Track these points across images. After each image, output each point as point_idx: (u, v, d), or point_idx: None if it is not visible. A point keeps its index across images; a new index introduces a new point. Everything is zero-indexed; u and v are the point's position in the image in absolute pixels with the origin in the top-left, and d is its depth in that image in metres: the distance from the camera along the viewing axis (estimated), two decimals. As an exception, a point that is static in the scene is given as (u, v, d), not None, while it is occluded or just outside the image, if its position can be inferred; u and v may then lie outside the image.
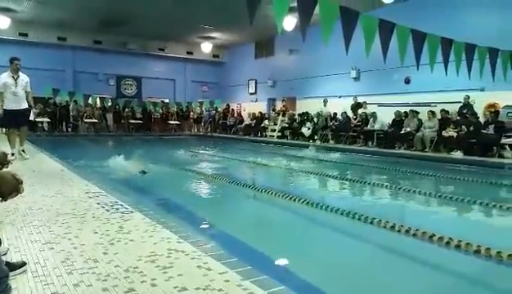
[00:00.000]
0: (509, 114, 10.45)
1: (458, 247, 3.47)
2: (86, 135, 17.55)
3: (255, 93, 21.75)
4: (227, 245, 3.11)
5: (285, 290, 2.27)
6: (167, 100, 22.18)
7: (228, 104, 21.80)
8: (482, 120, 10.91)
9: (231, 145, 15.46)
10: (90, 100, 18.57)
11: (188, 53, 22.73)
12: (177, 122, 20.64)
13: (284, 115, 17.69)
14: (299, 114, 17.14)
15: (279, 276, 2.70)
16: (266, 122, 18.35)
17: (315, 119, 15.85)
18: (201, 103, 21.54)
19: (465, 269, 3.29)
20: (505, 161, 9.27)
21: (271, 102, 20.64)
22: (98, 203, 4.15)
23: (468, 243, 3.46)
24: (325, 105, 15.84)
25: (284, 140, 16.04)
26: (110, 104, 19.64)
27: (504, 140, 9.94)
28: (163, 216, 3.73)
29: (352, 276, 3.03)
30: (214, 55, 23.36)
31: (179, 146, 13.91)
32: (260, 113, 19.18)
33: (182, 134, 20.16)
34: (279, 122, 17.42)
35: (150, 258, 2.63)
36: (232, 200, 5.94)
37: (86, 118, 18.36)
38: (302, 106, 17.98)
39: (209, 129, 21.23)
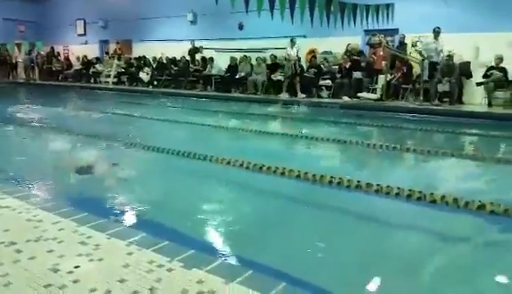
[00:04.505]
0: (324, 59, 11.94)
1: (283, 173, 3.99)
2: None
3: (84, 34, 19.73)
4: (60, 196, 2.95)
5: (125, 230, 2.32)
6: (-29, 42, 18.45)
7: (53, 47, 19.33)
8: (304, 64, 12.19)
9: (59, 94, 14.00)
10: None
11: (-5, -15, 19.04)
12: (-12, 68, 17.54)
13: (119, 59, 16.62)
14: (136, 58, 16.34)
15: (118, 218, 2.72)
16: (98, 66, 16.99)
17: (153, 64, 15.37)
18: (18, 45, 18.58)
19: (288, 191, 3.81)
20: (322, 100, 10.72)
21: (104, 45, 19.07)
22: None
23: (291, 170, 4.00)
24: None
25: (121, 87, 15.24)
26: None
27: (321, 82, 11.38)
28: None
29: (198, 209, 3.22)
30: (30, -11, 20.10)
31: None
32: (85, 56, 17.53)
33: (-3, 81, 17.27)
34: (114, 67, 16.33)
35: (-35, 218, 2.34)
36: (66, 151, 5.50)
37: None
38: (139, 50, 17.14)
39: (31, 75, 18.62)
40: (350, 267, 2.37)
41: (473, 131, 7.25)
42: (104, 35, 18.97)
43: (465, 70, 9.85)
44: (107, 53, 17.72)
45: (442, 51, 9.50)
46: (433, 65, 9.48)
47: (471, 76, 9.90)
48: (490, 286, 2.21)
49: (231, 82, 12.94)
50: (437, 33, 9.41)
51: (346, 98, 10.35)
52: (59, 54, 19.10)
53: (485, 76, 9.46)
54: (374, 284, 2.16)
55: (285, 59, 11.70)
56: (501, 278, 2.25)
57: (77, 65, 17.60)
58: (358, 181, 3.67)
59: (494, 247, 2.77)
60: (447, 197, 3.31)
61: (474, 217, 3.12)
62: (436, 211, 3.25)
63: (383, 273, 2.27)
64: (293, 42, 11.65)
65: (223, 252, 2.42)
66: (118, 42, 17.47)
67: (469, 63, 9.90)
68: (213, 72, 13.53)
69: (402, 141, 6.20)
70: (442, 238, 2.88)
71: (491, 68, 9.42)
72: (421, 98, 9.55)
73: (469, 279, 2.29)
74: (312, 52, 12.42)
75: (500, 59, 9.35)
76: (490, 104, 9.26)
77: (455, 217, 3.20)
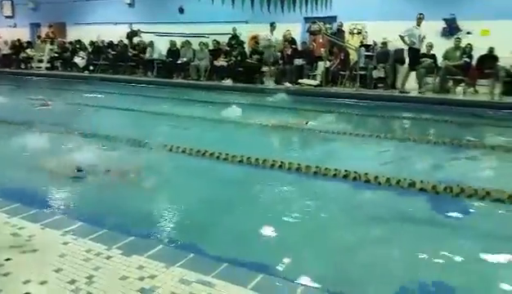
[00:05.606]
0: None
1: (226, 159, 4.04)
2: None
3: (13, 17, 18.36)
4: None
5: (61, 220, 2.24)
6: None
7: (-24, 30, 17.84)
8: (248, 50, 12.19)
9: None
10: None
11: None
12: None
13: (52, 43, 15.67)
14: (71, 42, 15.48)
15: (52, 208, 2.62)
16: (29, 51, 15.90)
17: (89, 48, 14.66)
18: None
19: (231, 175, 3.86)
20: (266, 86, 10.81)
21: (35, 28, 17.87)
22: None
23: (234, 155, 4.05)
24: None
25: (55, 72, 14.41)
26: None
27: (264, 69, 11.45)
28: None
29: (139, 196, 3.17)
30: None
31: None
32: (19, 40, 16.35)
33: None
34: (46, 52, 15.37)
35: None
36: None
37: None
38: (73, 33, 16.24)
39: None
40: (291, 245, 2.46)
41: (406, 114, 7.68)
42: (35, 18, 17.77)
43: (399, 57, 10.33)
44: (39, 37, 16.62)
45: (424, 37, 9.49)
46: (413, 52, 9.44)
47: (404, 62, 10.42)
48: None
49: (173, 68, 12.66)
50: (419, 19, 9.31)
51: (288, 84, 10.53)
52: (-16, 37, 17.63)
53: (417, 63, 10.00)
54: (313, 260, 2.27)
55: (266, 45, 11.26)
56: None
57: (5, 50, 16.36)
58: (298, 164, 3.80)
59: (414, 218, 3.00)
60: (380, 177, 3.52)
61: (405, 194, 3.35)
62: (370, 190, 3.44)
63: (324, 249, 2.39)
64: (273, 27, 11.20)
65: (164, 238, 2.41)
66: (50, 26, 16.42)
67: (402, 50, 10.38)
68: (155, 56, 13.14)
69: (340, 125, 6.44)
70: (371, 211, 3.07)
71: (423, 55, 9.97)
72: (358, 84, 9.93)
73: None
74: (255, 38, 12.44)
75: (430, 46, 9.92)
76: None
77: (387, 194, 3.40)
